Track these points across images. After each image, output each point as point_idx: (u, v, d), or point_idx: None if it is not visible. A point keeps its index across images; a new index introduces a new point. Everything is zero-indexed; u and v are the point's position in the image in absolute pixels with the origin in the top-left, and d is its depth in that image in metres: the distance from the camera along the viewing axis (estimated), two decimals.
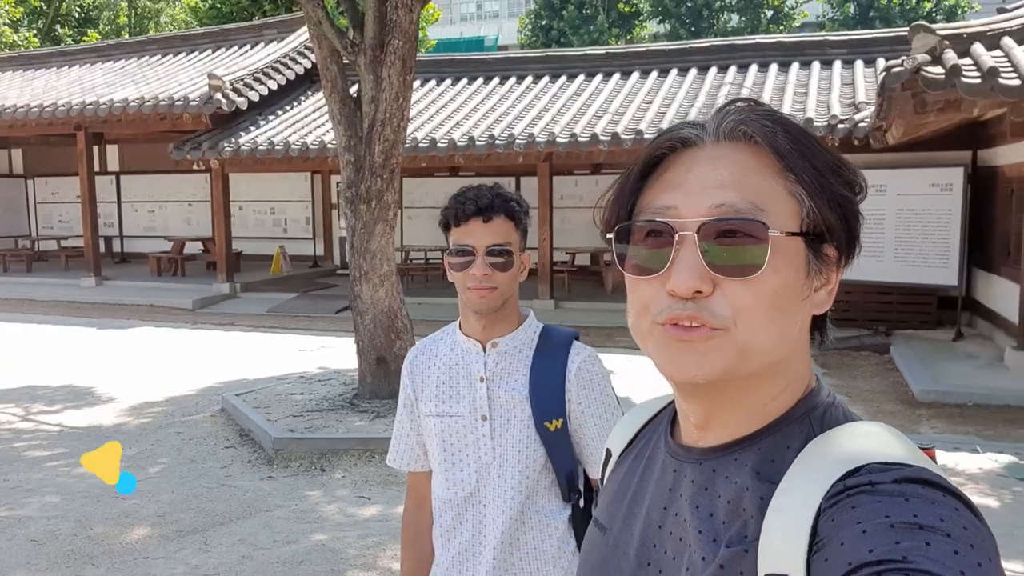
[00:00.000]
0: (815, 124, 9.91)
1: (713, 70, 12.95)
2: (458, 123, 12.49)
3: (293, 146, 12.48)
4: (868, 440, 0.71)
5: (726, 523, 0.74)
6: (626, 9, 34.38)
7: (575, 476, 1.76)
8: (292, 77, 14.64)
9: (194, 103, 12.77)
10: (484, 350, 1.73)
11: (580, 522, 1.76)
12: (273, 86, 14.05)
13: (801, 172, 0.74)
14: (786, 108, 10.62)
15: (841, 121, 9.83)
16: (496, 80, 14.31)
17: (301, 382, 7.66)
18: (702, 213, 0.73)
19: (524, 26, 36.31)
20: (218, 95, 12.76)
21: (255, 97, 13.50)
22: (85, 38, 26.43)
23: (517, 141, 11.27)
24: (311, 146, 12.37)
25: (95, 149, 16.75)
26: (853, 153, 10.07)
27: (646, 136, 10.65)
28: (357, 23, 6.60)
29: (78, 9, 28.27)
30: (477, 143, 11.47)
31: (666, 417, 0.90)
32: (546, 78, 14.01)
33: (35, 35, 26.75)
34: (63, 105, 13.61)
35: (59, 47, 20.50)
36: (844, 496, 0.65)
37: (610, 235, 0.79)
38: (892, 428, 0.75)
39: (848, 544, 0.61)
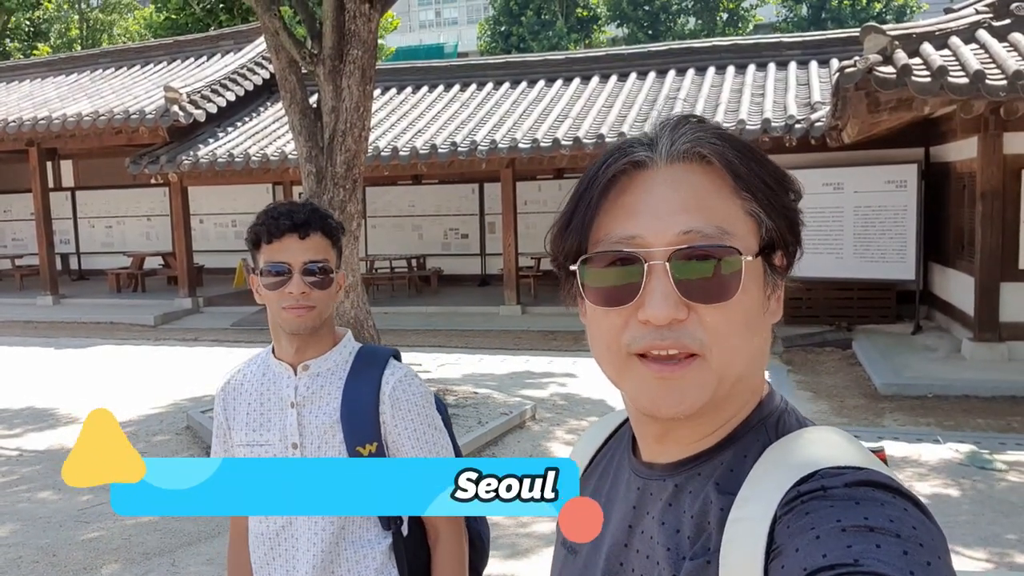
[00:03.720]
0: (773, 124, 10.06)
1: (671, 73, 13.09)
2: (420, 131, 12.47)
3: (253, 158, 12.35)
4: (820, 446, 0.72)
5: (691, 538, 0.74)
6: (584, 14, 34.66)
7: None
8: (250, 88, 14.49)
9: (150, 116, 12.59)
10: (296, 373, 1.66)
11: (403, 550, 1.67)
12: (231, 97, 13.89)
13: (756, 191, 0.75)
14: (744, 110, 10.77)
15: (798, 121, 10.00)
16: (457, 87, 14.32)
17: None
18: (670, 240, 0.72)
19: (483, 32, 36.43)
20: (175, 107, 12.59)
21: (213, 109, 13.34)
22: (35, 52, 25.90)
23: (479, 148, 11.28)
24: (271, 157, 12.26)
25: (48, 165, 16.42)
26: (811, 152, 10.25)
27: (607, 140, 10.73)
28: (315, 33, 6.56)
29: (27, 23, 27.71)
30: (439, 151, 11.46)
31: (627, 434, 0.90)
32: (507, 84, 14.04)
33: None
34: (14, 121, 13.32)
35: (8, 62, 20.06)
36: (798, 503, 0.66)
37: (574, 267, 0.76)
38: (843, 432, 0.76)
39: (803, 550, 0.62)
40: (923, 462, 5.51)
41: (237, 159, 12.41)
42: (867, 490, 0.65)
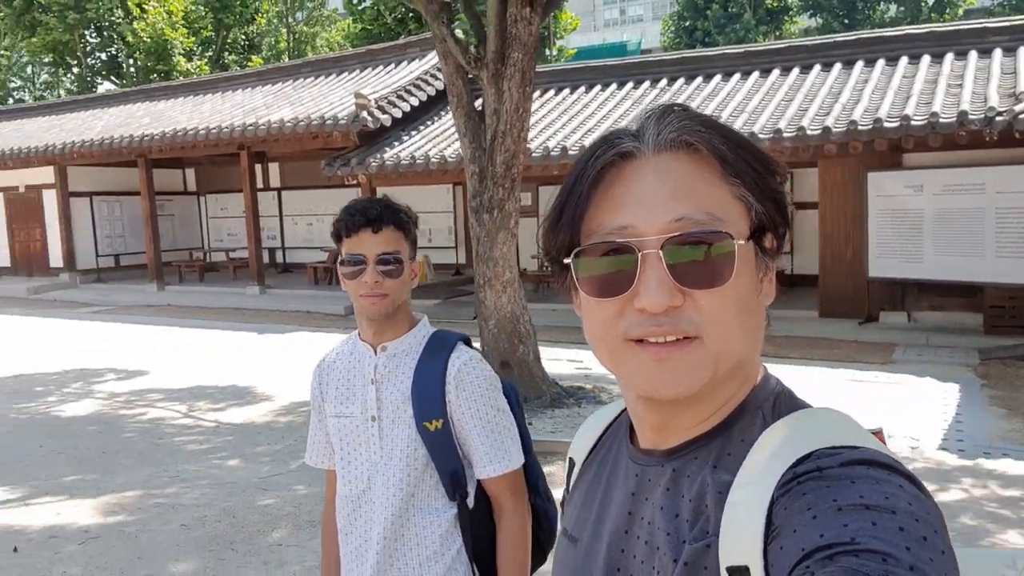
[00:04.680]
0: (970, 117, 9.22)
1: (859, 64, 12.31)
2: (590, 130, 12.55)
3: (433, 159, 12.97)
4: (816, 427, 0.73)
5: (690, 522, 0.75)
6: (774, 4, 33.19)
7: (460, 476, 1.78)
8: (432, 93, 15.20)
9: (343, 121, 13.54)
10: (375, 353, 1.80)
11: (467, 521, 1.78)
12: (415, 102, 14.65)
13: (744, 175, 0.75)
14: (938, 102, 9.94)
15: (999, 113, 9.10)
16: (630, 85, 14.26)
17: None
18: (662, 229, 0.73)
19: (667, 28, 35.85)
20: (364, 113, 13.46)
21: (398, 114, 14.13)
22: (249, 64, 28.58)
23: None
24: (449, 159, 12.81)
25: (258, 167, 18.08)
26: (1014, 148, 9.32)
27: (785, 135, 10.30)
28: (481, 38, 6.83)
29: (243, 37, 30.58)
30: None
31: (625, 422, 0.91)
32: (681, 80, 13.81)
33: (206, 63, 29.19)
34: (227, 127, 14.81)
35: (224, 73, 22.27)
36: (795, 483, 0.67)
37: (567, 260, 0.78)
38: (840, 412, 0.77)
39: (800, 530, 0.63)
40: None
41: (418, 161, 13.08)
42: (863, 468, 0.66)
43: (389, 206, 1.76)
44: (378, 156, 13.60)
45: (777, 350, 9.56)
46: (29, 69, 36.89)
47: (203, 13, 29.98)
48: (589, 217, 0.76)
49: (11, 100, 34.31)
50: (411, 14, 22.16)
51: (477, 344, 2.00)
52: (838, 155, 10.40)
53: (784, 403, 0.79)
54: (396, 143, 14.09)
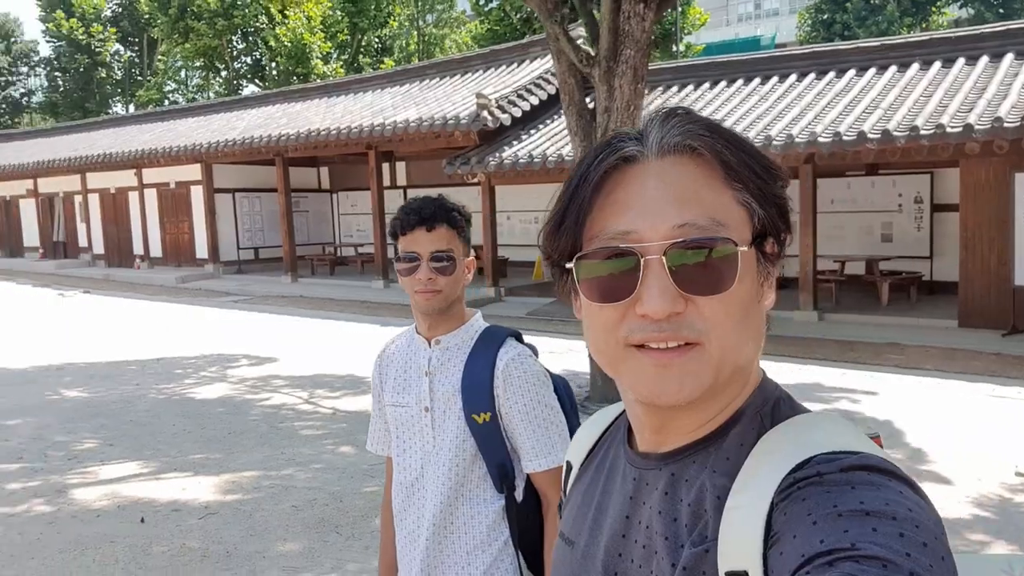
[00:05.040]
0: None
1: (1009, 56, 11.42)
2: None
3: (550, 158, 13.01)
4: (815, 432, 0.73)
5: (688, 526, 0.75)
6: None
7: (507, 469, 1.80)
8: (552, 92, 15.21)
9: (464, 121, 13.81)
10: (430, 346, 1.86)
11: (515, 514, 1.81)
12: (535, 101, 14.75)
13: (747, 180, 0.75)
14: None
15: None
16: (757, 80, 13.80)
17: None
18: (665, 234, 0.72)
19: (803, 22, 34.43)
20: (484, 113, 13.68)
21: (518, 113, 14.27)
22: (382, 66, 29.59)
23: (774, 143, 10.81)
24: (566, 158, 12.79)
25: (385, 166, 18.71)
26: None
27: (922, 132, 9.70)
28: (595, 36, 6.80)
29: (376, 40, 31.68)
30: None
31: (623, 425, 0.91)
32: (812, 75, 13.24)
33: (341, 66, 30.43)
34: (356, 127, 15.40)
35: (356, 75, 23.16)
36: (794, 489, 0.67)
37: (570, 265, 0.77)
38: (838, 417, 0.76)
39: (800, 536, 0.63)
40: None
41: (536, 160, 13.16)
42: (863, 474, 0.66)
43: (443, 205, 1.81)
44: (497, 155, 13.78)
45: (909, 360, 9.03)
46: (183, 73, 39.65)
47: (339, 18, 31.29)
48: (591, 221, 0.76)
49: (166, 102, 36.98)
50: (536, 14, 22.31)
51: (534, 340, 2.02)
52: (982, 154, 9.70)
53: (783, 408, 0.79)
54: (515, 142, 14.23)
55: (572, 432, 1.87)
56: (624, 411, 0.90)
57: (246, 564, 4.26)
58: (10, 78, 41.58)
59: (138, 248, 22.83)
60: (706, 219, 0.73)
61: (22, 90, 42.72)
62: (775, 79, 13.63)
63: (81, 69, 38.07)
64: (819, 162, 11.28)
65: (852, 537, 0.60)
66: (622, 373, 0.77)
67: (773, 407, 0.78)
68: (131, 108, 37.78)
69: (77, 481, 5.56)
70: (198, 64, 34.07)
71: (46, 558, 4.32)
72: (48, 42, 38.35)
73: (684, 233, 0.72)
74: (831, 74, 13.05)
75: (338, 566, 4.23)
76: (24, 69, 42.43)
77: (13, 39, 41.75)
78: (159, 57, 39.14)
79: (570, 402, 1.91)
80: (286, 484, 5.49)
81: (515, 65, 16.83)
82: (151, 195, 22.10)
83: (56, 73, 39.34)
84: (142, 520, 4.82)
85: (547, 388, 1.83)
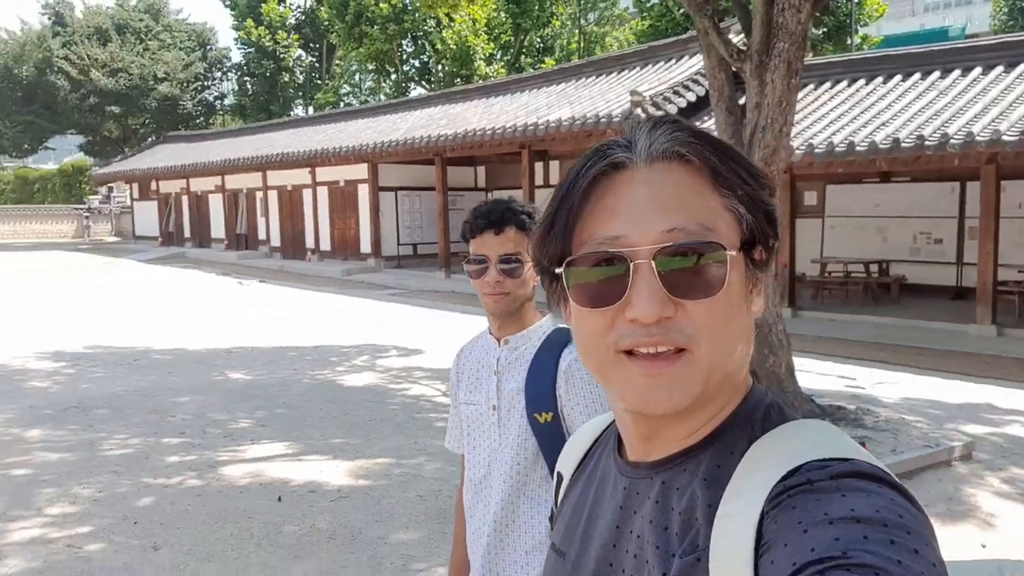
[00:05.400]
0: None
1: None
2: (883, 124, 11.42)
3: None
4: (805, 439, 0.73)
5: (679, 535, 0.75)
6: None
7: None
8: None
9: (616, 119, 13.66)
10: (499, 346, 1.90)
11: None
12: (692, 98, 14.35)
13: (735, 187, 0.76)
14: None
15: None
16: (936, 74, 12.73)
17: None
18: (654, 239, 0.73)
19: (999, 10, 31.48)
20: (638, 110, 13.46)
21: (673, 110, 13.93)
22: (543, 65, 29.83)
23: (951, 141, 9.93)
24: None
25: (539, 165, 18.85)
26: None
27: None
28: (747, 28, 6.51)
29: (538, 40, 32.01)
30: (902, 145, 10.36)
31: (612, 435, 0.90)
32: (1000, 68, 12.06)
33: (503, 66, 30.98)
34: (510, 127, 15.61)
35: (514, 76, 23.49)
36: (785, 497, 0.67)
37: (559, 270, 0.78)
38: (828, 424, 0.77)
39: (791, 544, 0.63)
40: None
41: None
42: (853, 481, 0.66)
43: (511, 208, 1.82)
44: None
45: None
46: (356, 76, 41.83)
47: (503, 19, 31.88)
48: (581, 227, 0.77)
49: (341, 104, 39.13)
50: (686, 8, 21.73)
51: None
52: None
53: (774, 415, 0.78)
54: None
55: None
56: (614, 420, 0.90)
57: (368, 549, 4.39)
58: (205, 83, 45.46)
59: (310, 242, 24.31)
60: (695, 224, 0.73)
61: (216, 93, 46.64)
62: (957, 72, 12.52)
63: (267, 74, 41.04)
64: (1003, 162, 10.26)
65: (843, 545, 0.60)
66: (612, 381, 0.77)
67: (764, 414, 0.78)
68: (310, 110, 40.31)
69: (227, 458, 5.96)
70: (370, 67, 35.81)
71: (190, 528, 4.64)
72: (239, 49, 41.62)
73: (673, 238, 0.73)
74: (1022, 66, 11.83)
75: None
76: (218, 74, 46.26)
77: (209, 47, 45.62)
78: (336, 62, 41.49)
79: None
80: (415, 473, 5.62)
81: (673, 61, 16.46)
82: (323, 192, 23.46)
83: (245, 78, 42.62)
84: (279, 499, 5.10)
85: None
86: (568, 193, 0.77)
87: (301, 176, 23.91)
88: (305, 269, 22.32)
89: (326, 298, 16.45)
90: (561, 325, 1.86)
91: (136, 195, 35.55)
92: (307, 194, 24.13)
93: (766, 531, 0.66)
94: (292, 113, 41.40)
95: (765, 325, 6.39)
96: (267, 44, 39.88)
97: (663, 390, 0.73)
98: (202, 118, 45.31)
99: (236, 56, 44.13)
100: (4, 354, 10.16)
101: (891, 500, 0.64)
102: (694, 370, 0.73)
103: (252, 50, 40.70)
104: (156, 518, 4.80)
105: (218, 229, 29.29)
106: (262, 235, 26.78)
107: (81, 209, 43.63)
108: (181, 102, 43.09)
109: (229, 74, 45.94)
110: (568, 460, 1.00)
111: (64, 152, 57.82)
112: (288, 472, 5.63)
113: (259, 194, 26.57)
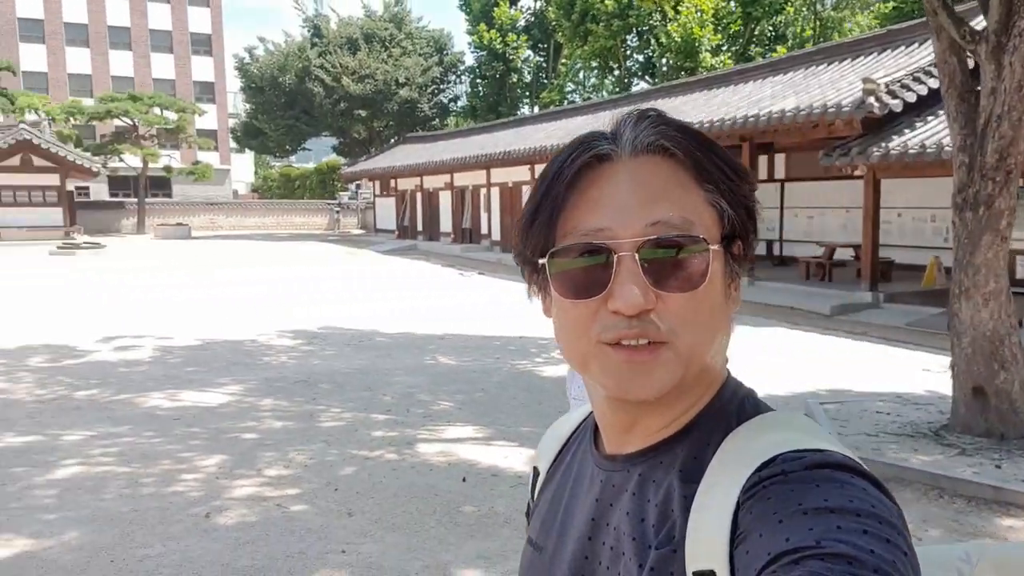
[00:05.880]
0: None
1: None
2: None
3: (946, 148, 11.42)
4: (780, 431, 0.74)
5: (656, 527, 0.75)
6: None
7: None
8: None
9: (846, 109, 12.76)
10: None
11: None
12: (933, 85, 13.02)
13: (718, 182, 0.76)
14: None
15: None
16: None
17: (896, 402, 7.13)
18: (638, 232, 0.73)
19: None
20: (871, 99, 12.47)
21: (911, 98, 12.77)
22: (773, 54, 28.45)
23: None
24: None
25: (763, 159, 18.07)
26: None
27: None
28: (984, 7, 5.84)
29: (770, 28, 30.56)
30: None
31: (589, 428, 0.91)
32: None
33: (730, 57, 29.92)
34: (728, 119, 15.09)
35: (737, 67, 22.59)
36: (760, 488, 0.68)
37: (543, 260, 0.78)
38: (802, 416, 0.78)
39: (766, 535, 0.64)
40: None
41: (929, 150, 11.66)
42: (827, 472, 0.67)
43: None
44: (882, 145, 12.48)
45: None
46: (581, 74, 42.40)
47: (732, 8, 30.81)
48: (565, 218, 0.77)
49: (565, 102, 39.86)
50: None
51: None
52: None
53: (748, 407, 0.79)
54: (906, 130, 12.74)
55: None
56: (590, 414, 0.91)
57: None
58: (441, 86, 48.28)
59: None
60: (679, 218, 0.74)
61: (450, 96, 49.38)
62: None
63: (497, 75, 42.79)
64: None
65: (817, 535, 0.60)
66: (593, 370, 0.77)
67: (739, 406, 0.79)
68: (535, 109, 41.47)
69: (424, 436, 6.34)
70: (594, 65, 36.14)
71: (381, 500, 5.01)
72: (472, 52, 43.78)
73: (657, 231, 0.73)
74: None
75: None
76: (452, 78, 48.98)
77: (445, 52, 48.38)
78: (562, 61, 42.33)
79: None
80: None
81: (915, 46, 15.05)
82: None
83: (477, 80, 44.73)
84: (463, 479, 5.35)
85: None
86: (552, 184, 0.77)
87: (521, 173, 24.70)
88: None
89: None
90: None
91: (378, 191, 38.61)
92: (526, 190, 24.88)
93: (741, 521, 0.67)
94: (519, 112, 42.82)
95: (996, 338, 5.71)
96: (497, 47, 41.55)
97: (643, 376, 0.73)
98: (437, 120, 48.19)
99: (469, 59, 46.48)
100: (256, 331, 11.48)
101: (864, 490, 0.65)
102: (673, 361, 0.74)
103: (484, 53, 42.60)
104: (354, 487, 5.23)
105: (446, 223, 31.05)
106: (484, 230, 28.02)
107: (332, 204, 48.21)
108: (419, 105, 46.13)
109: (463, 77, 48.44)
110: (544, 454, 1.00)
111: (320, 152, 63.88)
112: (475, 455, 5.89)
113: (483, 191, 27.81)
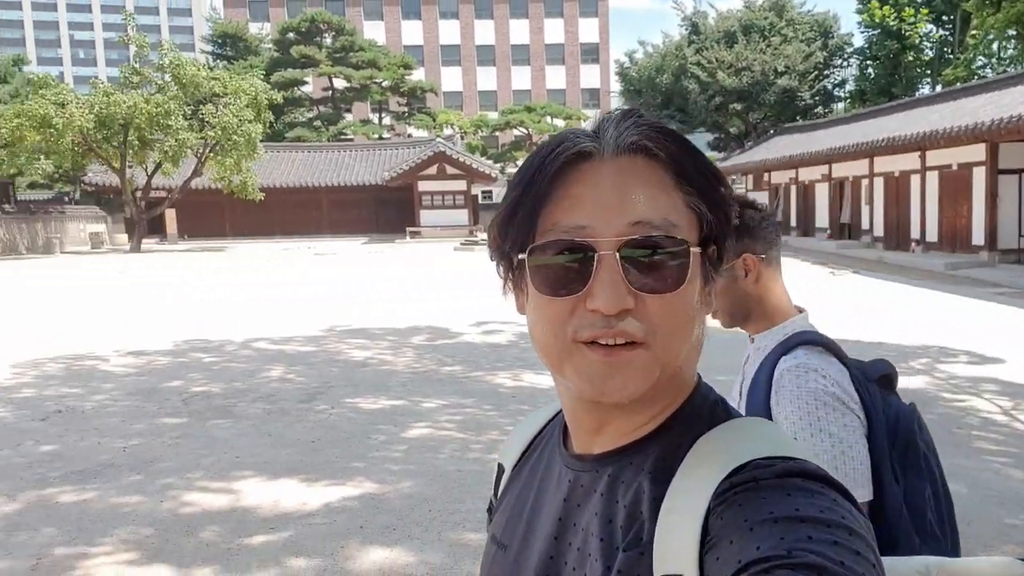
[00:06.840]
0: None
1: None
2: None
3: None
4: (751, 437, 0.74)
5: (624, 528, 0.75)
6: None
7: None
8: None
9: None
10: (751, 342, 1.80)
11: None
12: None
13: (697, 184, 0.76)
14: None
15: None
16: None
17: None
18: (619, 231, 0.73)
19: None
20: None
21: None
22: None
23: None
24: None
25: None
26: None
27: None
28: None
29: None
30: None
31: (558, 427, 0.90)
32: None
33: None
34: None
35: None
36: (731, 494, 0.67)
37: (522, 256, 0.77)
38: (772, 423, 0.80)
39: (737, 542, 0.63)
40: None
41: None
42: (798, 480, 0.67)
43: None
44: None
45: None
46: (994, 46, 36.68)
47: None
48: (545, 214, 0.76)
49: (975, 79, 34.85)
50: None
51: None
52: None
53: (719, 412, 0.79)
54: None
55: (896, 471, 1.57)
56: (559, 412, 0.91)
57: None
58: (824, 71, 45.30)
59: (915, 232, 22.60)
60: (660, 219, 0.73)
61: (835, 81, 46.11)
62: None
63: (890, 55, 38.96)
64: None
65: (788, 544, 0.60)
66: (567, 369, 0.76)
67: (710, 410, 0.79)
68: (937, 88, 36.97)
69: None
70: (1011, 34, 31.05)
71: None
72: (861, 32, 40.38)
73: (639, 231, 0.73)
74: None
75: None
76: (837, 61, 45.65)
77: (830, 35, 45.25)
78: (971, 33, 37.04)
79: (890, 437, 1.57)
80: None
81: None
82: (932, 178, 21.57)
83: (867, 61, 41.18)
84: None
85: (822, 410, 1.54)
86: (534, 178, 0.76)
87: (909, 161, 22.34)
88: (904, 261, 20.86)
89: (921, 294, 15.12)
90: (807, 330, 1.72)
91: (750, 186, 37.67)
92: (915, 180, 22.46)
93: (712, 527, 0.67)
94: (918, 93, 38.54)
95: None
96: (891, 23, 37.83)
97: (619, 378, 0.73)
98: (820, 107, 45.39)
99: (858, 40, 42.97)
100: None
101: (834, 501, 0.65)
102: (648, 361, 0.73)
103: (875, 32, 39.09)
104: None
105: (822, 218, 29.26)
106: (865, 224, 25.87)
107: None
108: (799, 94, 43.89)
109: (850, 60, 44.98)
110: (510, 452, 0.99)
111: None
112: None
113: (864, 182, 25.68)
